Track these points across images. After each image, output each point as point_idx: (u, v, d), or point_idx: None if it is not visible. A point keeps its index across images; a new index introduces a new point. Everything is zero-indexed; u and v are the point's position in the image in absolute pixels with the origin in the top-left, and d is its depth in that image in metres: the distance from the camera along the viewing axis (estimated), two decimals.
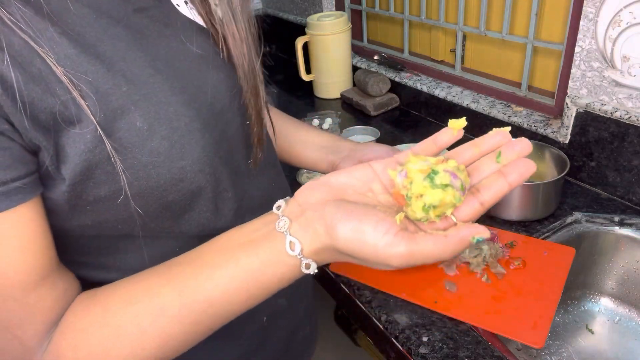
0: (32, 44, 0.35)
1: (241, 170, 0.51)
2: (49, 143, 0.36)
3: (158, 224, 0.44)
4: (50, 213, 0.41)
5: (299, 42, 1.51)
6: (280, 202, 0.42)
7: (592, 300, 0.93)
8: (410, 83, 1.39)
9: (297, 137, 0.70)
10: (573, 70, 0.95)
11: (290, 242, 0.38)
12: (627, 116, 0.88)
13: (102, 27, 0.39)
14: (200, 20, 0.48)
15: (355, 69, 1.57)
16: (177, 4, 0.47)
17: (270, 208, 0.42)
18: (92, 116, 0.36)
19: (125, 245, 0.46)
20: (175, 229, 0.46)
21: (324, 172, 0.68)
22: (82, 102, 0.36)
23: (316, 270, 0.40)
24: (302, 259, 0.39)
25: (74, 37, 0.37)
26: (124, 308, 0.40)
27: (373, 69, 1.52)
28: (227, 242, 0.42)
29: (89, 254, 0.46)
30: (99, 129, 0.37)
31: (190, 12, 0.47)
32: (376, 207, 0.39)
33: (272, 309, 0.59)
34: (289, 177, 0.77)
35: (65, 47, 0.36)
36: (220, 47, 0.47)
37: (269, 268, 0.39)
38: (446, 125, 0.45)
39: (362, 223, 0.36)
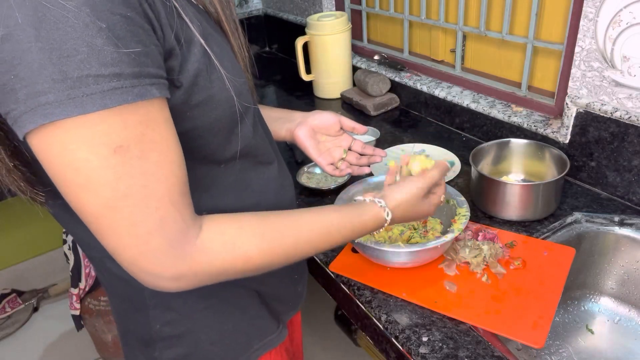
0: None
1: (254, 102, 0.65)
2: (178, 56, 0.47)
3: (226, 137, 0.56)
4: None
5: (299, 42, 1.51)
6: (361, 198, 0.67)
7: (592, 300, 0.93)
8: (410, 83, 1.39)
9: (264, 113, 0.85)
10: (573, 70, 0.95)
11: (382, 206, 0.65)
12: (627, 116, 0.88)
13: None
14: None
15: (355, 69, 1.57)
16: None
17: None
18: (199, 35, 0.49)
19: (200, 174, 0.56)
20: (232, 146, 0.57)
21: (283, 139, 0.84)
22: (191, 25, 0.48)
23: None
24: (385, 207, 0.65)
25: None
26: (272, 216, 0.56)
27: (373, 69, 1.52)
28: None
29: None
30: (204, 44, 0.49)
31: None
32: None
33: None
34: None
35: None
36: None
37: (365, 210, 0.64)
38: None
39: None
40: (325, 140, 0.84)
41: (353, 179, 1.04)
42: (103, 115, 0.40)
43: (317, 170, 1.13)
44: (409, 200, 0.67)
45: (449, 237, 0.76)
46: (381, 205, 0.65)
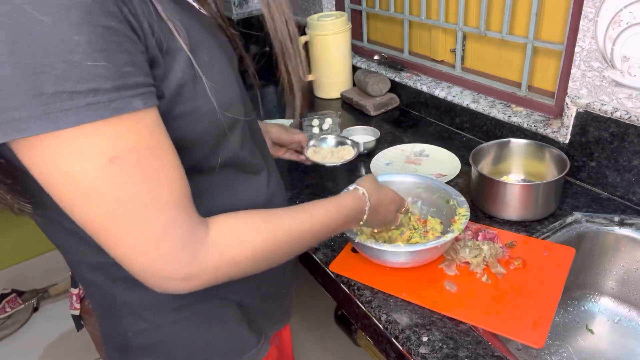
0: None
1: (248, 111, 0.65)
2: (161, 64, 0.46)
3: (213, 149, 0.56)
4: None
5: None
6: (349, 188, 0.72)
7: (592, 300, 0.93)
8: (410, 83, 1.39)
9: None
10: (573, 70, 0.95)
11: (363, 192, 0.71)
12: (627, 116, 0.88)
13: None
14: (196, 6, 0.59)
15: (355, 69, 1.57)
16: None
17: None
18: (184, 45, 0.48)
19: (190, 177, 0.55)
20: (219, 155, 0.57)
21: None
22: (177, 34, 0.47)
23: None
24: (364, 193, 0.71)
25: None
26: (267, 213, 0.57)
27: (373, 69, 1.52)
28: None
29: None
30: (189, 54, 0.48)
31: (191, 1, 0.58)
32: None
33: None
34: None
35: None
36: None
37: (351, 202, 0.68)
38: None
39: None
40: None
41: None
42: (95, 126, 0.40)
43: (324, 146, 1.09)
44: (381, 199, 0.74)
45: (449, 237, 0.76)
46: (362, 192, 0.71)
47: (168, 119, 0.48)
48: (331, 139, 1.04)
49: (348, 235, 0.79)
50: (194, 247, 0.48)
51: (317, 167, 1.17)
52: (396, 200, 0.79)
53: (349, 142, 1.03)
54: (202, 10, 0.58)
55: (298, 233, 0.58)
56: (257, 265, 0.54)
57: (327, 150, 1.07)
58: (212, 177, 0.59)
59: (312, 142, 1.06)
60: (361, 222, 0.71)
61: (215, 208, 0.58)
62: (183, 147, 0.51)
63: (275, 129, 0.95)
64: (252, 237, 0.53)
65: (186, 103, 0.49)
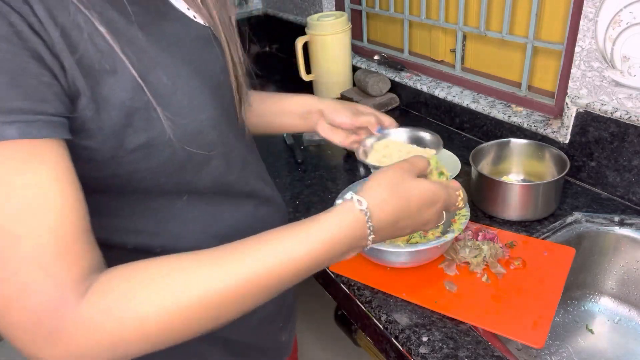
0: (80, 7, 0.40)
1: (239, 134, 0.59)
2: (89, 88, 0.40)
3: (182, 177, 0.50)
4: (89, 163, 0.43)
5: (299, 42, 1.51)
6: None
7: (592, 300, 0.93)
8: (410, 83, 1.39)
9: (277, 109, 0.79)
10: (573, 70, 0.95)
11: (358, 200, 0.48)
12: (627, 116, 0.88)
13: (116, 4, 0.44)
14: (190, 15, 0.53)
15: (355, 69, 1.57)
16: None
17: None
18: (131, 67, 0.41)
19: (157, 206, 0.50)
20: (196, 183, 0.51)
21: (293, 132, 0.81)
22: (122, 55, 0.41)
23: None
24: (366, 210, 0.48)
25: (116, 6, 0.43)
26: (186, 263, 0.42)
27: (373, 69, 1.52)
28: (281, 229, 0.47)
29: (124, 216, 0.49)
30: (138, 78, 0.42)
31: (185, 10, 0.52)
32: None
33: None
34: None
35: (109, 11, 0.42)
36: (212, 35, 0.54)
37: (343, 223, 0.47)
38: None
39: None
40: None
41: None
42: None
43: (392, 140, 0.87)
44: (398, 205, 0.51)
45: (449, 237, 0.76)
46: (362, 210, 0.48)
47: (121, 153, 0.43)
48: (402, 133, 0.79)
49: None
50: (53, 324, 0.36)
51: (317, 165, 1.18)
52: (436, 199, 0.53)
53: (427, 136, 0.78)
54: (197, 20, 0.52)
55: (222, 296, 0.41)
56: (159, 343, 0.40)
57: (395, 147, 0.77)
58: (192, 202, 0.52)
59: (369, 141, 0.77)
60: (368, 244, 0.50)
61: (192, 234, 0.53)
62: (147, 178, 0.46)
63: (331, 106, 0.76)
64: (141, 309, 0.38)
65: (140, 134, 0.43)
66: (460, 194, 0.57)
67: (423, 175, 0.56)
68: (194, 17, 0.52)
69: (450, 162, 1.13)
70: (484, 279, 0.78)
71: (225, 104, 0.54)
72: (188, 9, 0.52)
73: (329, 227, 0.46)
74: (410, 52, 1.49)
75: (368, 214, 0.48)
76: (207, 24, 0.53)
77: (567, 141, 1.00)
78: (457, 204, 0.57)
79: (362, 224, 0.48)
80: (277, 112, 0.79)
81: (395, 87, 1.45)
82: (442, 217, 0.56)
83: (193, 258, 0.42)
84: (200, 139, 0.48)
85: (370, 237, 0.49)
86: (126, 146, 0.43)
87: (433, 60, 1.42)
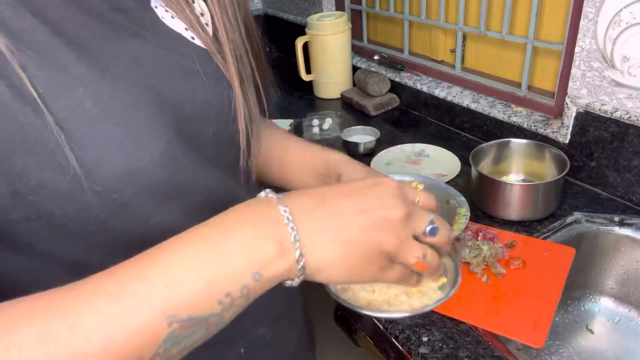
0: None
1: (231, 180, 0.50)
2: None
3: (117, 224, 0.40)
4: None
5: (299, 42, 1.51)
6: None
7: (592, 300, 0.93)
8: (410, 83, 1.39)
9: (290, 161, 0.67)
10: (573, 70, 0.95)
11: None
12: (627, 116, 0.88)
13: (70, 12, 0.38)
14: (188, 36, 0.46)
15: (355, 69, 1.57)
16: (162, 17, 0.45)
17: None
18: (30, 87, 0.33)
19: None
20: (141, 236, 0.41)
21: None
22: (20, 72, 0.33)
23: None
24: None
25: (33, 11, 0.35)
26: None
27: (373, 69, 1.52)
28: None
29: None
30: (38, 100, 0.34)
31: (182, 30, 0.46)
32: None
33: (251, 337, 0.54)
34: None
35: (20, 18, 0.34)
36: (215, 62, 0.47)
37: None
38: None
39: None
40: None
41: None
42: None
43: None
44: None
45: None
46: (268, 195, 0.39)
47: (21, 189, 0.35)
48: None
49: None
50: None
51: None
52: (380, 181, 0.42)
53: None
54: (196, 42, 0.46)
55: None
56: None
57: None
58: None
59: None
60: (291, 234, 0.37)
61: None
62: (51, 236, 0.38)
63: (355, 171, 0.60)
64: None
65: (46, 168, 0.35)
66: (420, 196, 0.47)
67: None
68: (192, 38, 0.46)
69: (450, 162, 1.13)
70: (484, 279, 0.78)
71: (202, 138, 0.46)
72: (186, 29, 0.46)
73: (215, 219, 0.37)
74: (410, 52, 1.49)
75: (277, 197, 0.39)
76: (205, 47, 0.47)
77: (567, 141, 1.00)
78: (414, 200, 0.45)
79: (269, 202, 0.38)
80: (290, 164, 0.66)
81: (395, 87, 1.45)
82: (402, 203, 0.41)
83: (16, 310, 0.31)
84: (138, 180, 0.39)
85: (290, 224, 0.37)
86: (27, 181, 0.35)
87: (433, 60, 1.42)
